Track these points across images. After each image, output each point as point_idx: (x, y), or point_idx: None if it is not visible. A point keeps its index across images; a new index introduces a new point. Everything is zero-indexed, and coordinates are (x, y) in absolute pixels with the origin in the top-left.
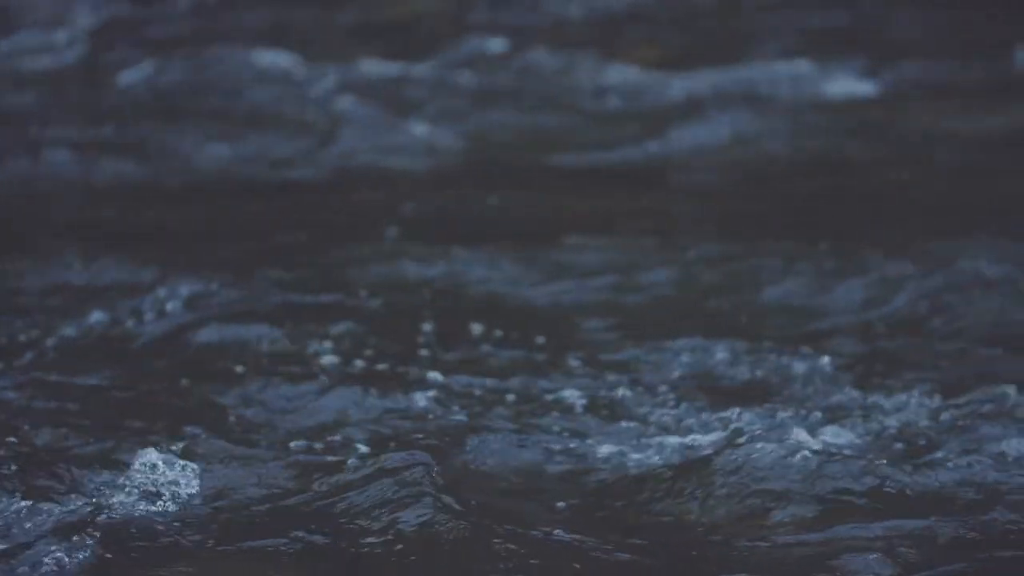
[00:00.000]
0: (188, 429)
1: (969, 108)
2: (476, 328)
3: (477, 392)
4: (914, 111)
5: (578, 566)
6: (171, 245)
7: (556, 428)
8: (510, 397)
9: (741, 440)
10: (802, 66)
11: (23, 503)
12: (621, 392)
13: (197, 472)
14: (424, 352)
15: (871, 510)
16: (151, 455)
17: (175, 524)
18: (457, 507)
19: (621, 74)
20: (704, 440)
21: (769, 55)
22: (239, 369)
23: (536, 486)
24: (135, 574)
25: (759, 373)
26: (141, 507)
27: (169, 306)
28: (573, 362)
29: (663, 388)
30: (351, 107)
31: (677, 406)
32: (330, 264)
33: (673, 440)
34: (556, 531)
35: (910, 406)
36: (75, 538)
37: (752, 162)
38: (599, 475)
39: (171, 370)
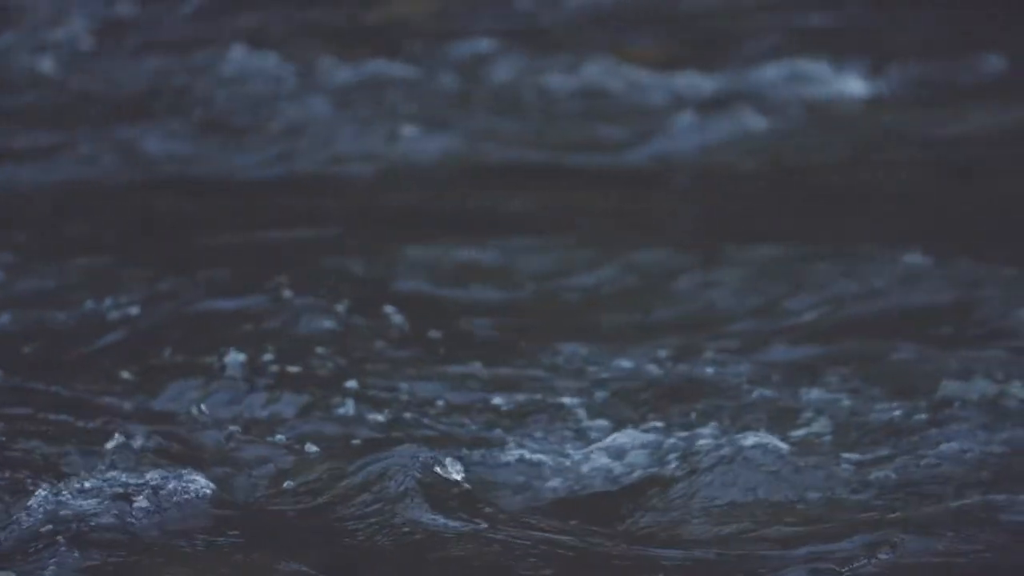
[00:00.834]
0: (144, 429)
1: (969, 108)
2: (452, 327)
3: (442, 395)
4: (913, 111)
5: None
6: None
7: (525, 434)
8: (494, 402)
9: (706, 443)
10: (801, 66)
11: None
12: (573, 397)
13: (174, 474)
14: (395, 353)
15: (835, 512)
16: (110, 455)
17: (144, 527)
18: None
19: (621, 74)
20: (674, 444)
21: (768, 55)
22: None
23: (509, 494)
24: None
25: (729, 376)
26: (115, 511)
27: (120, 303)
28: (541, 367)
29: (603, 393)
30: (325, 108)
31: (641, 410)
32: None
33: (642, 443)
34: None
35: (871, 407)
36: (41, 547)
37: (751, 162)
38: (563, 481)
39: (110, 369)
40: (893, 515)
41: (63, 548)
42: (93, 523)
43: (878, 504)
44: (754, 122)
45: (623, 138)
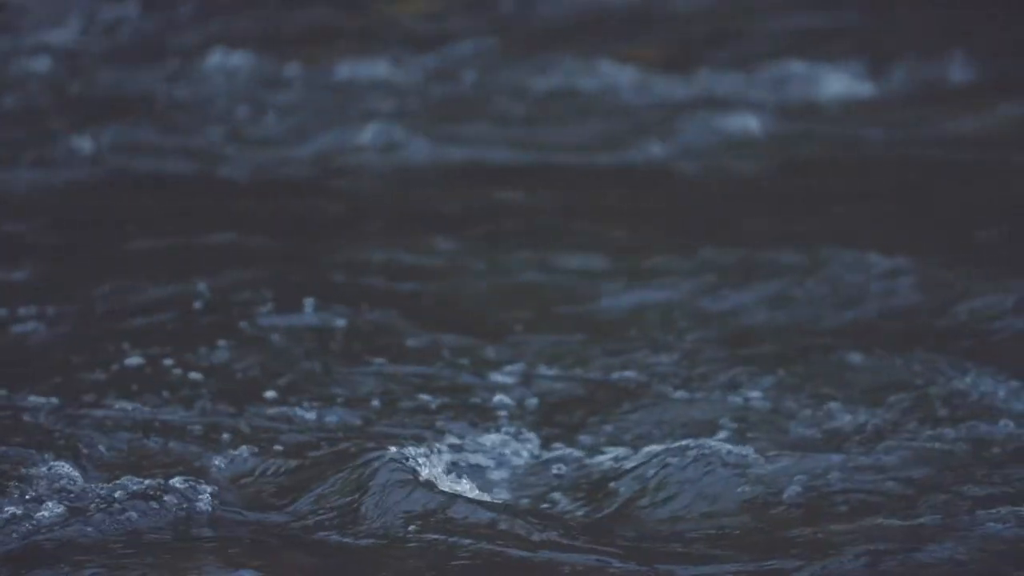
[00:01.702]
0: (95, 437)
1: (968, 108)
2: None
3: (430, 392)
4: (913, 111)
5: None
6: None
7: (515, 433)
8: (493, 398)
9: (661, 447)
10: (799, 67)
11: None
12: (559, 398)
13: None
14: (389, 348)
15: (798, 517)
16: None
17: (104, 535)
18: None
19: (621, 74)
20: (657, 448)
21: (766, 56)
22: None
23: (504, 491)
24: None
25: (713, 377)
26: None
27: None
28: (526, 365)
29: (552, 397)
30: (307, 109)
31: (625, 408)
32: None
33: (592, 446)
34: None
35: (849, 409)
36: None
37: (749, 163)
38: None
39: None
40: (858, 521)
41: (27, 562)
42: (58, 533)
43: (842, 510)
44: (752, 123)
45: (624, 138)
